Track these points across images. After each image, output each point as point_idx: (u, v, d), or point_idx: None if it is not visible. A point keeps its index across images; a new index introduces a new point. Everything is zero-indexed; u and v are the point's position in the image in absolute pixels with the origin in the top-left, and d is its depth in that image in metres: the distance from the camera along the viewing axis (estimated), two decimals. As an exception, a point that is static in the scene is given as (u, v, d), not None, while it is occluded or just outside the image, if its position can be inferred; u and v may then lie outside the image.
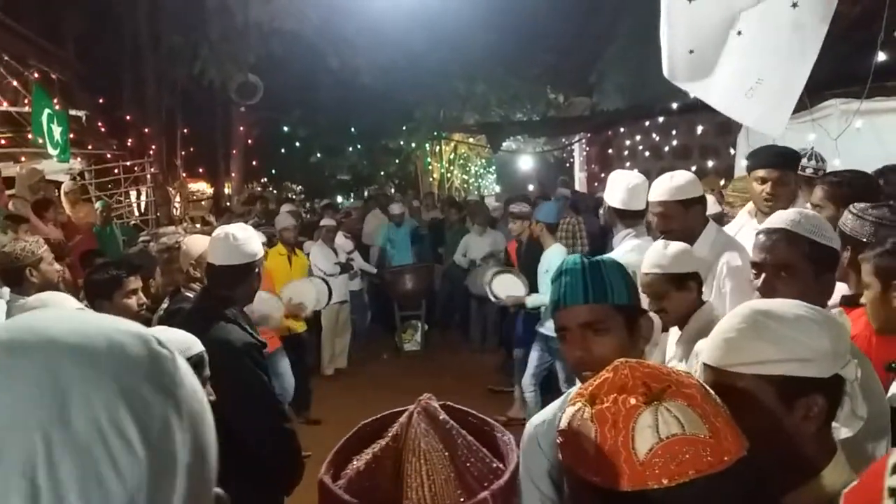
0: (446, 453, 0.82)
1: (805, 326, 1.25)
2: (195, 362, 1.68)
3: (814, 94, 4.94)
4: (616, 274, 1.63)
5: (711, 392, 1.02)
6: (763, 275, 2.05)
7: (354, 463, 0.86)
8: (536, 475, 1.67)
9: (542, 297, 5.34)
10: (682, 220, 3.02)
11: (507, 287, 6.14)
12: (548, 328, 5.29)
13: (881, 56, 3.91)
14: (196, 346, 1.71)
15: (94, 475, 0.50)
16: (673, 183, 3.07)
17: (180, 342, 1.67)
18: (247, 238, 2.82)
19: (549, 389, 5.57)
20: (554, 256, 5.36)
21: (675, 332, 2.69)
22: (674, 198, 3.03)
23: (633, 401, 0.97)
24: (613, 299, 1.58)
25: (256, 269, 2.84)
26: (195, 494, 0.57)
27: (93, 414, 0.52)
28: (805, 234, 1.98)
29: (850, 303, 2.36)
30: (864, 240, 2.35)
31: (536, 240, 5.91)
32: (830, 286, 1.96)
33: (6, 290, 3.22)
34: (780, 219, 2.09)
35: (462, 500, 0.78)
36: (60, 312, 0.62)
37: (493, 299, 6.23)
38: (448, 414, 0.88)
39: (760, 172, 3.10)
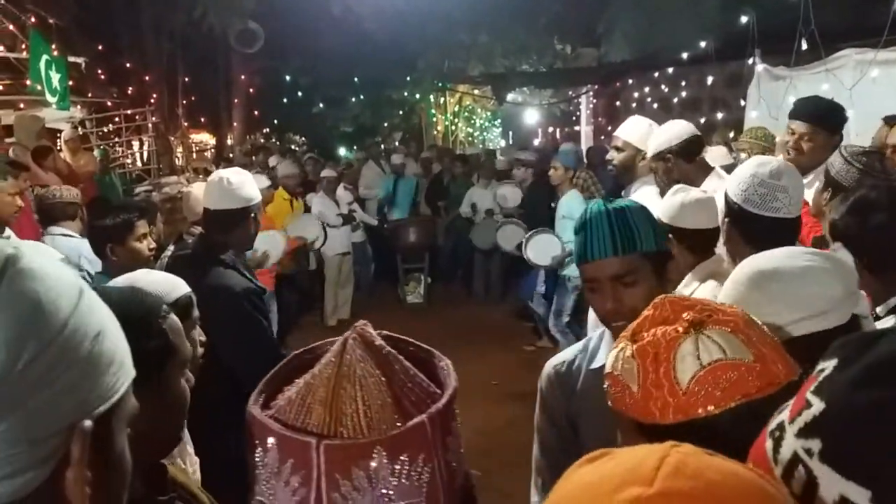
0: (383, 378, 0.79)
1: (815, 277, 1.21)
2: (182, 304, 1.63)
3: (828, 45, 4.81)
4: (642, 219, 1.56)
5: (756, 321, 0.99)
6: None
7: (286, 392, 0.84)
8: (555, 415, 1.69)
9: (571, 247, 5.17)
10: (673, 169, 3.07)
11: (543, 248, 5.71)
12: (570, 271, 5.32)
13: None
14: (180, 288, 1.66)
15: None
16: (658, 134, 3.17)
17: (163, 284, 1.63)
18: (242, 182, 2.77)
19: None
20: (573, 202, 5.35)
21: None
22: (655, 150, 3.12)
23: (673, 332, 0.95)
24: (642, 247, 1.52)
25: (253, 214, 2.79)
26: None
27: None
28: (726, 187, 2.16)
29: (818, 244, 2.37)
30: (846, 185, 2.33)
31: (540, 184, 5.89)
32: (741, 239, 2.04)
33: None
34: None
35: (399, 424, 0.77)
36: None
37: (534, 263, 5.78)
38: (386, 341, 0.85)
39: (793, 124, 3.02)
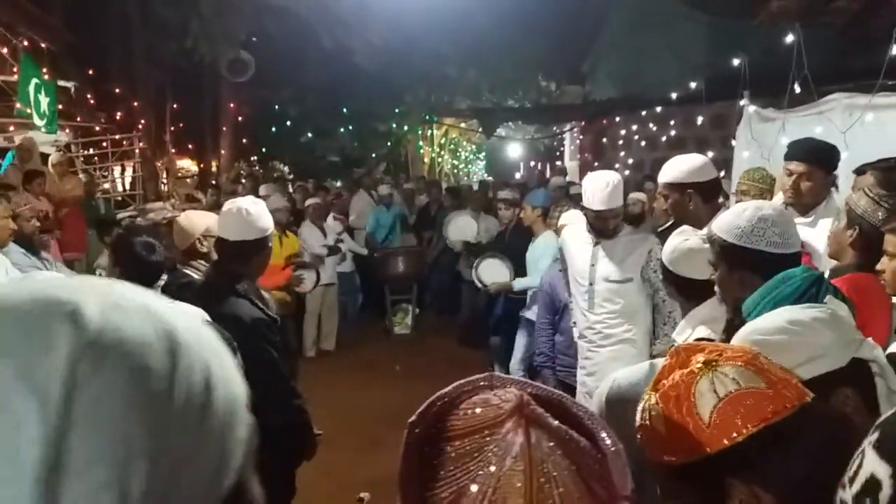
0: (573, 467, 0.74)
1: (799, 328, 1.28)
2: None
3: (819, 88, 4.93)
4: None
5: (765, 357, 1.06)
6: None
7: (445, 486, 0.75)
8: (621, 437, 1.69)
9: (529, 281, 5.36)
10: (682, 204, 3.01)
11: (492, 273, 6.16)
12: (532, 313, 5.23)
13: (895, 50, 3.91)
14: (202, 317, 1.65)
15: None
16: (676, 165, 3.08)
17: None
18: (259, 213, 2.79)
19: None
20: (546, 244, 5.24)
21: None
22: (676, 180, 3.02)
23: (689, 373, 1.03)
24: None
25: (269, 244, 2.80)
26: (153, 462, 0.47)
27: None
28: (715, 231, 1.97)
29: (834, 274, 2.46)
30: (874, 223, 2.41)
31: (522, 225, 5.87)
32: (745, 282, 1.87)
33: None
34: None
35: None
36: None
37: (479, 285, 6.26)
38: (545, 405, 0.78)
39: (791, 165, 3.06)
